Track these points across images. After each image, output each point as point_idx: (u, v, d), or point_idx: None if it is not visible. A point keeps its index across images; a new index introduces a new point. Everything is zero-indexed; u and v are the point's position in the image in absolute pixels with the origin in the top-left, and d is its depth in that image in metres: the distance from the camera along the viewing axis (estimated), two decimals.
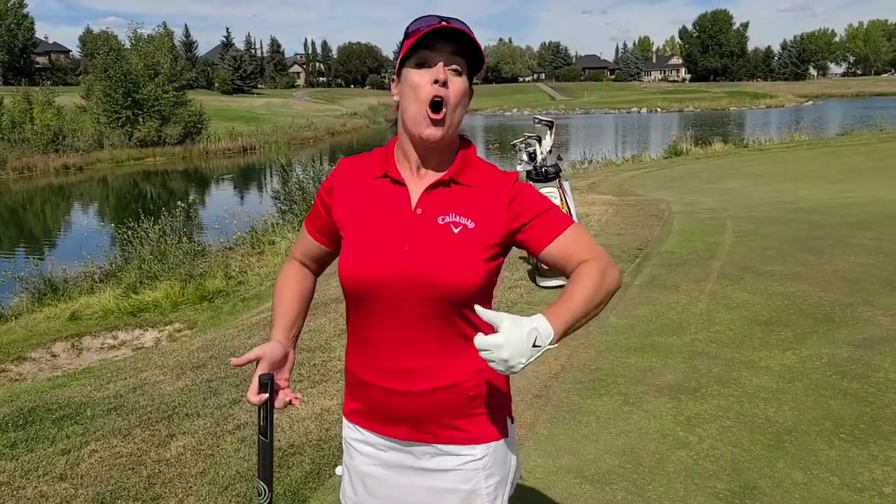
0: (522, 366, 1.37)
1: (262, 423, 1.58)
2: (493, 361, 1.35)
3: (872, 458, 3.21)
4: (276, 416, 4.11)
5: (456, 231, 1.53)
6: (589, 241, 1.59)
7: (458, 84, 1.52)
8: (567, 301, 1.47)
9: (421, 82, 1.50)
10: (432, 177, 1.58)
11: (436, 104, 1.49)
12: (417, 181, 1.59)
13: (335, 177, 1.68)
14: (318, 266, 1.81)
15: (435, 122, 1.50)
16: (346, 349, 1.69)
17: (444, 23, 1.48)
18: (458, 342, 1.56)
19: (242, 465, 3.48)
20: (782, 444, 3.38)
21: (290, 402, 1.63)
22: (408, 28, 1.54)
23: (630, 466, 3.28)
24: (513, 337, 1.35)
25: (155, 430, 3.99)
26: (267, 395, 1.56)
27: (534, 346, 1.37)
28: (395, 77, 1.60)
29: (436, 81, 1.48)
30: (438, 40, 1.49)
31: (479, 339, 1.36)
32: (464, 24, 1.53)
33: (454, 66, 1.51)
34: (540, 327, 1.38)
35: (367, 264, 1.53)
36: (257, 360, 1.59)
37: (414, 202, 1.56)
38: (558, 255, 1.56)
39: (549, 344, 1.40)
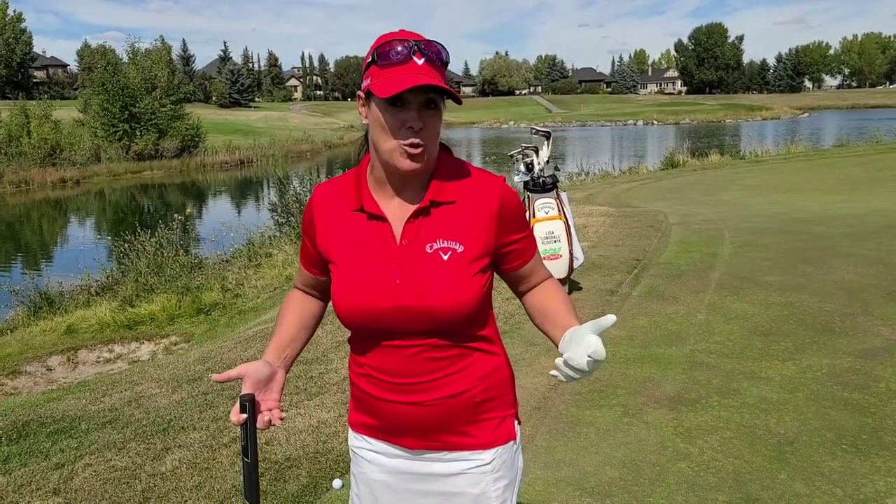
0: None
1: (244, 444, 1.54)
2: (585, 372, 1.45)
3: (875, 469, 3.18)
4: (273, 429, 4.06)
5: (445, 257, 1.50)
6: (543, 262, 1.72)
7: (433, 120, 1.46)
8: (572, 310, 1.60)
9: (394, 124, 1.43)
10: (411, 202, 1.53)
11: (407, 147, 1.44)
12: (397, 210, 1.54)
13: (313, 207, 1.63)
14: (321, 293, 1.78)
15: (413, 157, 1.45)
16: (350, 363, 1.67)
17: (416, 54, 1.42)
18: (462, 352, 1.56)
19: (238, 479, 3.44)
20: (784, 456, 3.35)
21: (270, 423, 1.57)
22: (377, 50, 1.45)
23: (630, 478, 3.24)
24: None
25: (150, 444, 3.94)
26: (246, 415, 1.52)
27: None
28: (361, 95, 1.52)
29: (410, 127, 1.43)
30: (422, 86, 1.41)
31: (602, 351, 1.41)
32: (434, 48, 1.45)
33: (427, 102, 1.44)
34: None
35: (361, 300, 1.51)
36: (241, 378, 1.55)
37: (398, 234, 1.52)
38: (525, 274, 1.65)
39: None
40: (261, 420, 1.55)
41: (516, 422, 1.68)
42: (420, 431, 1.57)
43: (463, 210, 1.53)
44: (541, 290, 1.66)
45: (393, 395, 1.56)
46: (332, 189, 1.63)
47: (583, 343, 1.40)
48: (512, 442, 1.64)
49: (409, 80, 1.39)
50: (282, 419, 1.59)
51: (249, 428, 1.53)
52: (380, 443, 1.64)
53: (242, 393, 1.54)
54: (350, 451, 1.74)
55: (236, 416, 1.52)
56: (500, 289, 5.88)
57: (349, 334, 1.65)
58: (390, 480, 1.64)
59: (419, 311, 1.48)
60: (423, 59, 1.43)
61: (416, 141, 1.44)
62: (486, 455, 1.58)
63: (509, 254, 1.59)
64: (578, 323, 1.49)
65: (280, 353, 1.66)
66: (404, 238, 1.52)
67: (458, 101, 1.49)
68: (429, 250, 1.50)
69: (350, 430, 1.71)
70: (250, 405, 1.53)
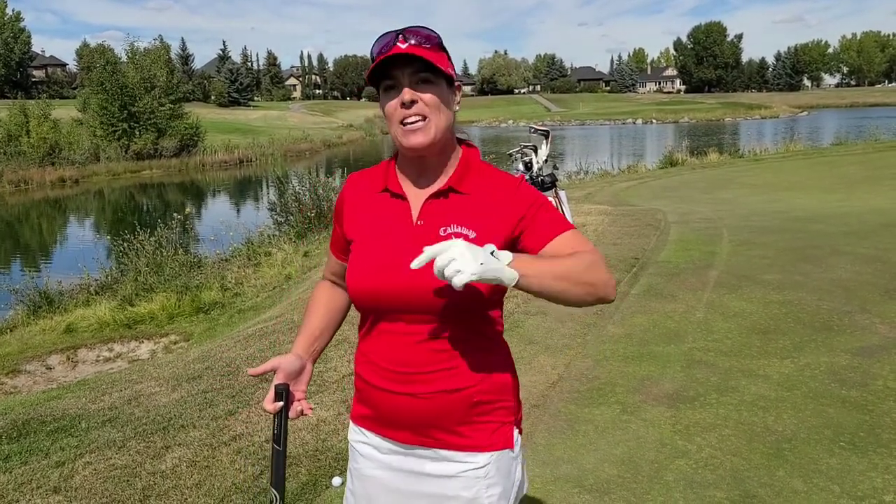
0: (473, 271, 1.26)
1: (276, 432, 1.61)
2: (454, 260, 1.27)
3: (873, 466, 3.20)
4: (273, 427, 4.07)
5: None
6: (587, 242, 1.54)
7: (429, 94, 1.51)
8: (540, 256, 1.46)
9: (391, 108, 1.52)
10: (432, 187, 1.59)
11: (407, 124, 1.51)
12: (418, 193, 1.60)
13: (344, 194, 1.72)
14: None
15: (412, 131, 1.51)
16: (356, 354, 1.70)
17: (399, 39, 1.49)
18: (465, 347, 1.56)
19: (238, 477, 3.45)
20: (782, 453, 3.36)
21: (302, 412, 1.65)
22: (371, 50, 1.55)
23: (629, 476, 3.25)
24: (463, 241, 1.31)
25: (150, 442, 3.95)
26: (282, 403, 1.59)
27: (491, 253, 1.32)
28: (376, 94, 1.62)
29: (403, 105, 1.50)
30: (398, 63, 1.49)
31: (433, 248, 1.29)
32: (420, 33, 1.51)
33: (421, 80, 1.50)
34: (495, 249, 1.34)
35: (372, 277, 1.55)
36: (274, 370, 1.62)
37: (415, 214, 1.57)
38: (553, 251, 1.49)
39: (509, 265, 1.33)
40: (293, 410, 1.64)
41: (517, 431, 1.65)
42: (413, 425, 1.58)
43: (480, 202, 1.57)
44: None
45: (390, 385, 1.58)
46: (363, 176, 1.72)
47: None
48: (509, 450, 1.61)
49: (384, 56, 1.49)
50: (311, 409, 1.67)
51: (283, 417, 1.60)
52: (376, 436, 1.65)
53: (276, 383, 1.60)
54: (349, 446, 1.76)
55: (271, 404, 1.59)
56: None
57: (350, 332, 1.67)
58: (385, 478, 1.65)
59: (427, 291, 1.50)
60: (406, 44, 1.49)
61: (411, 113, 1.49)
62: (480, 458, 1.57)
63: (530, 234, 1.53)
64: (520, 258, 1.38)
65: (309, 346, 1.73)
66: (420, 218, 1.57)
67: (437, 70, 1.50)
68: (443, 233, 1.54)
69: (351, 423, 1.74)
70: (286, 394, 1.60)
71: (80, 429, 4.31)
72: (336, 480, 3.32)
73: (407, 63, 1.48)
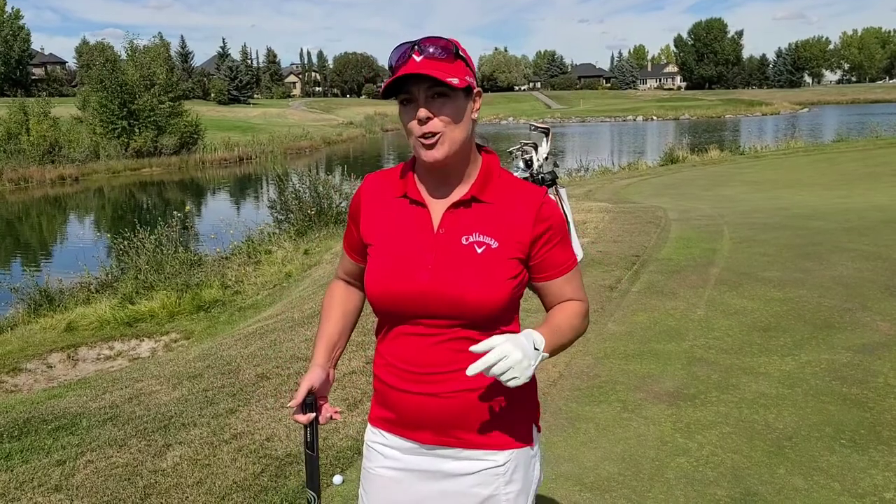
0: (533, 368, 1.44)
1: (308, 439, 1.70)
2: (511, 369, 1.41)
3: (873, 463, 3.20)
4: (273, 425, 4.08)
5: (480, 251, 1.54)
6: (581, 283, 1.70)
7: (445, 109, 1.50)
8: (554, 324, 1.58)
9: (408, 121, 1.53)
10: (454, 195, 1.59)
11: (425, 136, 1.51)
12: (438, 200, 1.60)
13: (360, 194, 1.71)
14: (362, 283, 1.81)
15: (429, 146, 1.51)
16: (374, 357, 1.71)
17: (415, 51, 1.49)
18: None
19: (239, 475, 3.45)
20: (782, 451, 3.36)
21: (331, 418, 1.72)
22: (389, 60, 1.56)
23: (630, 473, 3.25)
24: (514, 339, 1.44)
25: (151, 440, 3.95)
26: (314, 414, 1.68)
27: (534, 348, 1.46)
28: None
29: (419, 121, 1.50)
30: (413, 78, 1.49)
31: (486, 358, 1.41)
32: (436, 43, 1.50)
33: (437, 93, 1.50)
34: (532, 333, 1.49)
35: (392, 283, 1.56)
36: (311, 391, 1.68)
37: (436, 222, 1.58)
38: (554, 290, 1.64)
39: (544, 351, 1.49)
40: (323, 417, 1.70)
41: (536, 429, 1.68)
42: (435, 425, 1.59)
43: (502, 211, 1.57)
44: (559, 305, 1.66)
45: (410, 385, 1.58)
46: (381, 177, 1.71)
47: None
48: (528, 448, 1.64)
49: (398, 76, 1.49)
50: (339, 413, 1.74)
51: (314, 425, 1.69)
52: (396, 438, 1.66)
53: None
54: (364, 447, 1.76)
55: (303, 416, 1.66)
56: None
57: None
58: (401, 478, 1.65)
59: (446, 297, 1.51)
60: (421, 56, 1.49)
61: (426, 131, 1.50)
62: (500, 457, 1.59)
63: (539, 263, 1.60)
64: (545, 336, 1.52)
65: (330, 352, 1.76)
66: (441, 227, 1.57)
67: (451, 86, 1.49)
68: (464, 242, 1.55)
69: (369, 425, 1.75)
70: (314, 403, 1.69)
71: (81, 427, 4.31)
72: (337, 479, 3.31)
73: (422, 79, 1.48)
